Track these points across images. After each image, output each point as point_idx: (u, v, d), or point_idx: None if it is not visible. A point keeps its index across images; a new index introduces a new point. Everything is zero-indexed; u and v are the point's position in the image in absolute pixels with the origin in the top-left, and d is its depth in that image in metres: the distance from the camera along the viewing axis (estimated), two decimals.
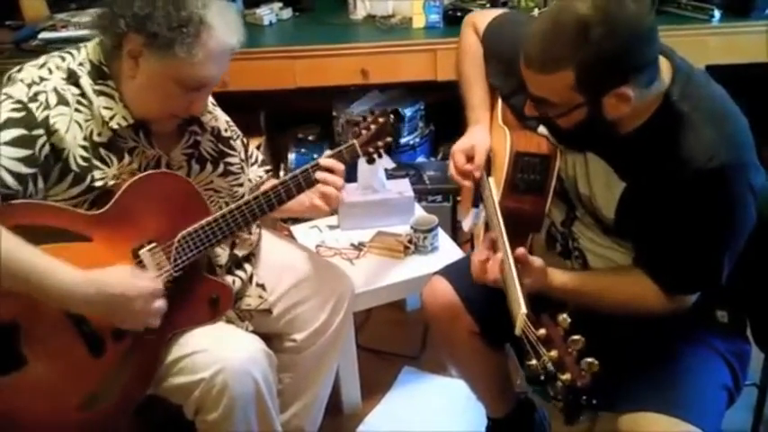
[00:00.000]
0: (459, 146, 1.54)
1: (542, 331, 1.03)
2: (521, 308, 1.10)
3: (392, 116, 1.65)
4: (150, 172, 1.39)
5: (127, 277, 1.31)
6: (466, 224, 1.67)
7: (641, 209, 1.27)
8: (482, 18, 1.61)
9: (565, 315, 1.03)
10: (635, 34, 1.13)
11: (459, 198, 1.98)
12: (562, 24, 1.14)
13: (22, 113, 1.27)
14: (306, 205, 1.59)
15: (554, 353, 1.00)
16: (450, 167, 1.56)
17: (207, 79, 1.35)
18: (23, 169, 1.25)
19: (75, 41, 1.43)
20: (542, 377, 1.00)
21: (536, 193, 1.39)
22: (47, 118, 1.29)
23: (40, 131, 1.28)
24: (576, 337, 1.00)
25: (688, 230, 1.23)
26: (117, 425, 1.42)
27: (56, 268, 1.24)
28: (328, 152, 1.58)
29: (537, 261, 1.27)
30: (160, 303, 1.35)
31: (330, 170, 1.53)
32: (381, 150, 1.62)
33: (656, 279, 1.29)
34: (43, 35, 2.64)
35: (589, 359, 0.98)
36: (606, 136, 1.25)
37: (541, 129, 1.45)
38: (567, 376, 0.97)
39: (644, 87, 1.18)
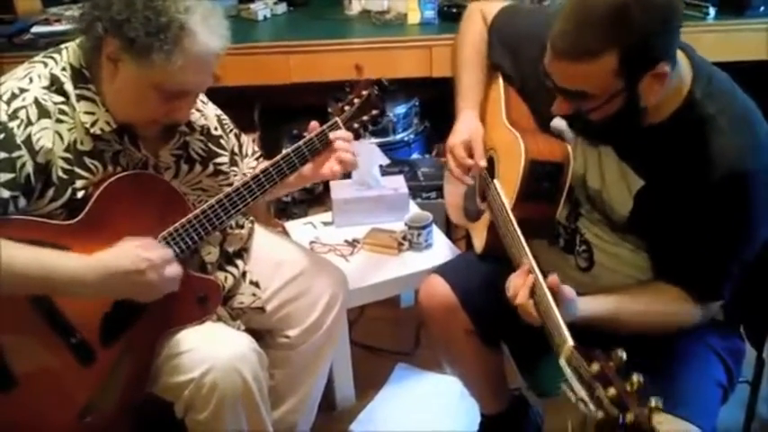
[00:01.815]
0: (457, 138, 1.51)
1: (596, 367, 1.00)
2: (566, 341, 1.07)
3: (376, 87, 1.56)
4: (122, 174, 1.35)
5: (133, 251, 1.29)
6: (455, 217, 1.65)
7: (659, 207, 1.26)
8: (491, 7, 1.60)
9: (620, 352, 1.00)
10: (668, 8, 1.13)
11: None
12: (596, 9, 1.12)
13: (2, 135, 1.23)
14: (319, 173, 1.52)
15: (612, 391, 0.97)
16: (450, 163, 1.52)
17: (188, 86, 1.31)
18: (4, 193, 1.22)
19: (68, 35, 1.40)
20: (602, 417, 0.96)
21: (548, 201, 1.37)
22: (29, 136, 1.25)
23: (21, 152, 1.24)
24: (635, 377, 0.96)
25: (715, 235, 1.22)
26: (117, 427, 1.41)
27: (62, 260, 1.24)
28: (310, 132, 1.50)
29: (569, 291, 1.21)
30: (173, 269, 1.33)
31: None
32: (369, 125, 1.56)
33: (689, 290, 1.28)
34: (36, 29, 2.62)
35: (653, 400, 0.94)
36: (630, 129, 1.23)
37: (554, 123, 1.43)
38: (630, 417, 0.94)
39: (673, 68, 1.17)
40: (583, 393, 1.00)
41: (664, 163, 1.24)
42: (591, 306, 1.25)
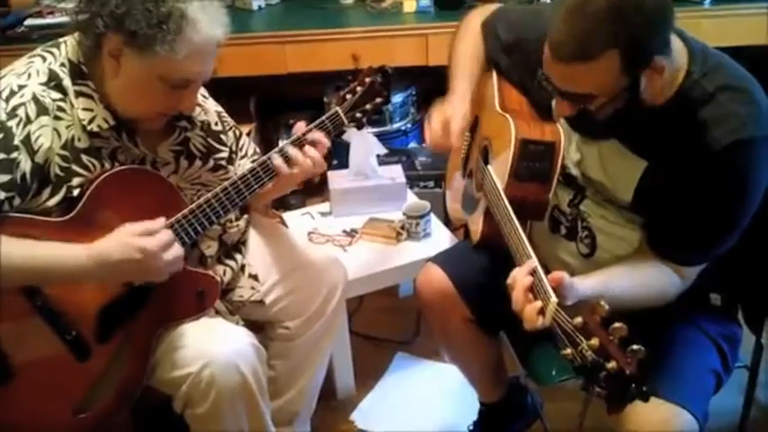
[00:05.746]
0: (436, 118, 1.50)
1: (579, 319, 1.01)
2: (550, 298, 1.09)
3: (380, 74, 1.53)
4: (114, 170, 1.33)
5: (125, 241, 1.26)
6: (449, 198, 1.65)
7: (663, 185, 1.27)
8: (487, 8, 1.63)
9: (603, 302, 1.01)
10: (658, 5, 1.15)
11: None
12: (593, 11, 1.13)
13: (1, 135, 1.22)
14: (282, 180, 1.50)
15: (594, 341, 0.97)
16: (427, 137, 1.52)
17: (193, 75, 1.30)
18: (0, 194, 1.22)
19: (61, 28, 1.39)
20: (583, 366, 0.97)
21: (541, 181, 1.38)
22: (28, 135, 1.24)
23: (19, 153, 1.23)
24: (617, 324, 0.97)
25: (711, 200, 1.23)
26: (115, 421, 1.41)
27: (58, 252, 1.24)
28: (309, 124, 1.48)
29: (562, 276, 1.17)
30: (173, 252, 1.30)
31: (314, 143, 1.46)
32: (371, 114, 1.53)
33: (670, 253, 1.29)
34: (29, 21, 2.61)
35: (635, 346, 0.95)
36: (632, 119, 1.25)
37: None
38: (612, 364, 0.94)
39: (670, 58, 1.19)
40: (568, 348, 1.01)
41: (667, 141, 1.25)
42: (586, 285, 1.24)
